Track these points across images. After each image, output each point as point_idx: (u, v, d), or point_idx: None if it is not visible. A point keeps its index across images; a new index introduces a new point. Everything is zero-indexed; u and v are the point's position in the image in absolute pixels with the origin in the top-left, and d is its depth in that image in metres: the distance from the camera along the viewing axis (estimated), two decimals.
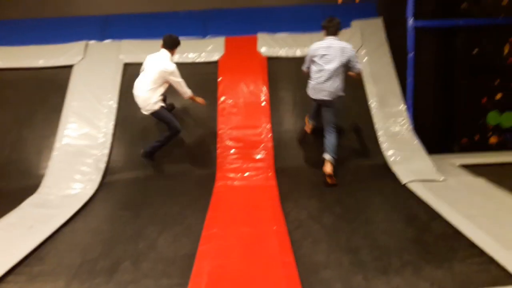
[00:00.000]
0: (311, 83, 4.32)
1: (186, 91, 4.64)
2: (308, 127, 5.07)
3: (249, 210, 3.79)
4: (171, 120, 4.64)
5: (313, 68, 4.28)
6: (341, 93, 4.28)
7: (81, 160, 4.79)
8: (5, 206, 3.99)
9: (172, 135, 4.70)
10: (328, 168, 4.27)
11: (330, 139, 4.35)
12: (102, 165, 4.80)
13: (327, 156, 4.31)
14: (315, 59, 4.22)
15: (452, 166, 4.74)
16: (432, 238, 3.16)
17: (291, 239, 3.19)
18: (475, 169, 4.56)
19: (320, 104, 4.40)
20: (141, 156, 4.83)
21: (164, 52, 4.52)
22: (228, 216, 3.64)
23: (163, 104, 4.63)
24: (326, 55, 4.16)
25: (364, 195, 4.07)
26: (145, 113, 4.60)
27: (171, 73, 4.44)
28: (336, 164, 4.42)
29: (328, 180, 4.32)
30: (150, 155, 4.82)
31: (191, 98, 4.75)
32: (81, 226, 3.72)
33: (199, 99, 4.83)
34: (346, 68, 4.26)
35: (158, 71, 4.42)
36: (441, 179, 4.27)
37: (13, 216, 3.83)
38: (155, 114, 4.59)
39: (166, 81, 4.53)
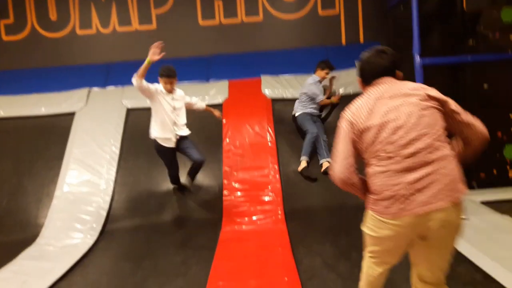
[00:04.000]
0: None
1: (135, 75, 3.88)
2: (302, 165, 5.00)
3: (258, 258, 3.52)
4: (165, 164, 4.46)
5: None
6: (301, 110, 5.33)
7: (82, 208, 4.60)
8: (1, 259, 3.78)
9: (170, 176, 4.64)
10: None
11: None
12: (104, 213, 4.60)
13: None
14: None
15: (473, 203, 4.46)
16: (460, 285, 2.86)
17: None
18: (498, 206, 4.28)
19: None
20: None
21: None
22: (235, 266, 3.38)
23: (155, 137, 4.21)
24: None
25: None
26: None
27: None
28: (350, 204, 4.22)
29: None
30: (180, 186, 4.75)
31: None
32: (78, 279, 3.48)
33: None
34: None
35: None
36: (463, 218, 3.99)
37: (7, 270, 3.62)
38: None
39: (152, 101, 4.13)
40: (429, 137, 1.79)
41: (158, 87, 4.17)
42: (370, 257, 2.07)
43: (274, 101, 5.77)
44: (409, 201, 1.76)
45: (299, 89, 5.76)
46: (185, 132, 4.35)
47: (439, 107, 1.85)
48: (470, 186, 5.37)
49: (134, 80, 3.91)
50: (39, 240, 4.24)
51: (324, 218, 4.39)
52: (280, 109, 5.67)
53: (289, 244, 3.78)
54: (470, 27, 5.53)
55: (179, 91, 4.36)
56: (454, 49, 5.48)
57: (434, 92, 1.87)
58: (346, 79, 5.87)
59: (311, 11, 6.62)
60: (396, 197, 1.79)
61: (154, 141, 4.25)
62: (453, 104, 1.90)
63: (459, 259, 3.24)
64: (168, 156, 4.35)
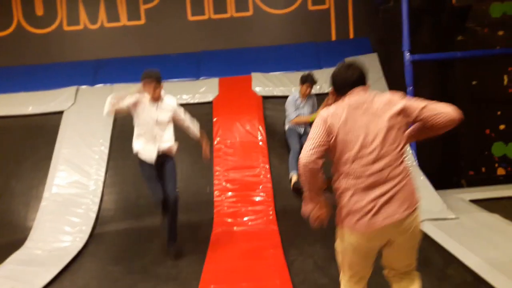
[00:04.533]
0: None
1: (108, 107, 3.56)
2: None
3: (249, 260, 3.51)
4: (148, 186, 3.76)
5: None
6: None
7: (71, 210, 4.55)
8: None
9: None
10: None
11: None
12: (93, 215, 4.55)
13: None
14: None
15: (462, 201, 4.50)
16: (452, 287, 2.88)
17: None
18: (487, 205, 4.32)
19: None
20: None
21: None
22: (226, 269, 3.36)
23: (137, 151, 3.73)
24: None
25: None
26: None
27: None
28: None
29: None
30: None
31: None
32: (67, 284, 3.44)
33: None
34: None
35: None
36: (453, 217, 4.02)
37: None
38: None
39: (133, 111, 3.68)
40: (393, 154, 1.93)
41: (140, 96, 3.62)
42: (351, 276, 2.16)
43: (265, 98, 5.73)
44: (376, 215, 1.90)
45: (289, 86, 5.73)
46: (168, 144, 3.73)
47: (405, 118, 1.97)
48: (459, 185, 5.41)
49: (107, 113, 3.55)
50: (28, 244, 4.17)
51: None
52: (271, 107, 5.63)
53: (281, 245, 3.77)
54: (459, 22, 5.55)
55: (168, 100, 3.78)
56: (443, 45, 5.49)
57: (400, 105, 1.95)
58: None
59: (301, 6, 6.56)
60: (364, 212, 1.92)
61: (137, 155, 3.75)
62: (417, 108, 1.95)
63: (450, 259, 3.27)
64: (148, 174, 3.70)
